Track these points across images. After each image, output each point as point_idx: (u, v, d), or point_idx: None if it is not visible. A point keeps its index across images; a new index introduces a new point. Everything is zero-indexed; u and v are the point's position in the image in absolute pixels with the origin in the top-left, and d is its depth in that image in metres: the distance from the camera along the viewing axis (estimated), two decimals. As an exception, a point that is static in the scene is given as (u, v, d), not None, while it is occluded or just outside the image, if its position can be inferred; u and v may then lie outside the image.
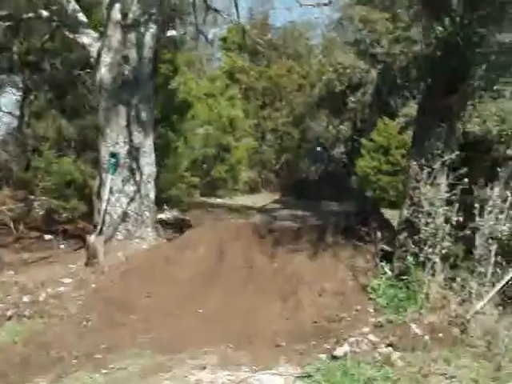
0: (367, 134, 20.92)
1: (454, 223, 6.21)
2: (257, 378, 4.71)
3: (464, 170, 6.38)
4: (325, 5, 11.44)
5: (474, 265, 6.37)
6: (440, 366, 4.85)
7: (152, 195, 8.77)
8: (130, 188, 8.54)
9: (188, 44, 17.34)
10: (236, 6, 12.18)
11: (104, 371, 4.93)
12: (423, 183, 6.38)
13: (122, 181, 8.48)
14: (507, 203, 6.40)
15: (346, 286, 6.68)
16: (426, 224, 6.27)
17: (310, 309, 6.18)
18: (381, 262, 6.80)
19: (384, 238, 7.75)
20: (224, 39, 24.91)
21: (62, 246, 10.24)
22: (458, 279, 6.26)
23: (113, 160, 8.36)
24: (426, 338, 5.43)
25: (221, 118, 20.41)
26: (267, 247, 7.36)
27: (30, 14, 9.19)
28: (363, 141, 20.43)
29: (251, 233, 7.65)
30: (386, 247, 7.62)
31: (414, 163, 6.59)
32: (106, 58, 8.48)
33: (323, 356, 5.12)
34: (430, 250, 6.27)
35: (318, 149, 19.16)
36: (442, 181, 6.51)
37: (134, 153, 8.53)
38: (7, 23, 9.89)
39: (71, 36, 8.82)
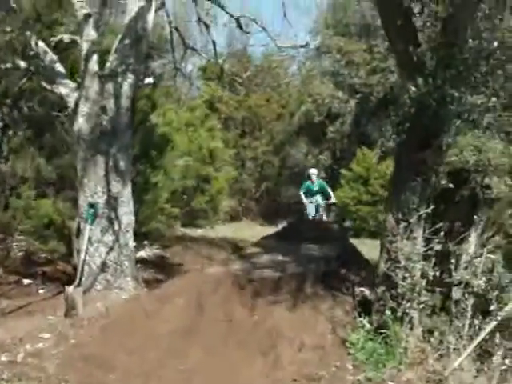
0: (346, 163, 21.11)
1: (431, 278, 6.29)
2: None
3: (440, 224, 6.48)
4: (301, 47, 11.61)
5: (450, 318, 6.45)
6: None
7: (131, 244, 8.77)
8: (109, 238, 8.53)
9: (166, 76, 17.42)
10: (214, 44, 12.29)
11: None
12: (400, 237, 6.45)
13: (101, 231, 8.48)
14: (483, 255, 6.49)
15: (326, 339, 6.68)
16: (404, 279, 6.33)
17: (290, 366, 6.16)
18: (359, 314, 6.83)
19: (363, 284, 7.83)
20: (204, 69, 25.05)
21: (42, 291, 10.19)
22: (436, 333, 6.32)
23: (91, 210, 8.36)
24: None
25: (200, 149, 20.44)
26: (247, 298, 7.34)
27: (8, 65, 9.22)
28: (342, 171, 20.60)
29: (231, 284, 7.64)
30: (365, 291, 7.68)
31: (391, 217, 6.65)
32: (84, 109, 8.52)
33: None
34: (408, 304, 6.32)
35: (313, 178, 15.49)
36: (419, 235, 6.56)
37: (112, 202, 8.54)
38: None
39: (48, 87, 8.86)
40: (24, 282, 10.60)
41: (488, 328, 5.97)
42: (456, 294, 6.61)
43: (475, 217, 7.43)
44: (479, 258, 6.40)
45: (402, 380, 5.82)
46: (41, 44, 8.78)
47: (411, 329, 6.42)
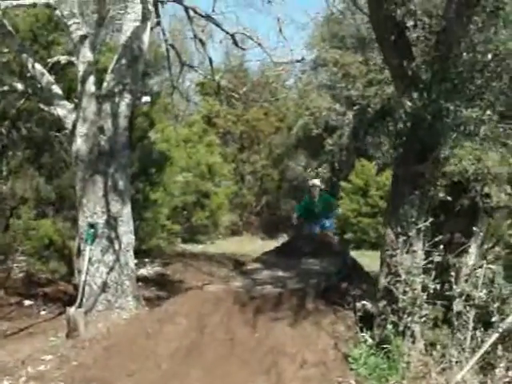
0: (345, 175, 21.15)
1: (431, 291, 6.29)
2: None
3: (440, 236, 6.49)
4: (297, 61, 11.67)
5: (452, 330, 6.44)
6: None
7: (132, 264, 8.76)
8: (110, 258, 8.51)
9: (164, 93, 17.47)
10: (210, 61, 12.33)
11: None
12: (400, 251, 6.45)
13: (101, 251, 8.46)
14: (483, 267, 6.48)
15: (328, 355, 6.66)
16: (404, 293, 6.33)
17: (292, 383, 6.17)
18: (361, 329, 6.82)
19: (364, 297, 7.83)
20: (201, 85, 25.14)
21: (43, 313, 10.21)
22: (438, 347, 6.32)
23: (91, 230, 8.36)
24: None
25: (199, 164, 20.51)
26: (248, 316, 7.33)
27: (5, 87, 9.26)
28: (342, 183, 20.62)
29: (232, 301, 7.62)
30: (367, 305, 7.67)
31: (390, 231, 6.66)
32: (82, 129, 8.53)
33: None
34: (409, 318, 6.32)
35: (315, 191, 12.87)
36: (418, 248, 6.57)
37: (112, 222, 8.53)
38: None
39: (46, 108, 8.89)
40: (25, 303, 10.62)
41: (490, 340, 5.95)
42: (457, 306, 6.58)
43: (475, 228, 7.42)
44: (480, 270, 6.38)
45: (405, 394, 5.81)
46: (38, 66, 8.80)
47: (413, 343, 6.42)
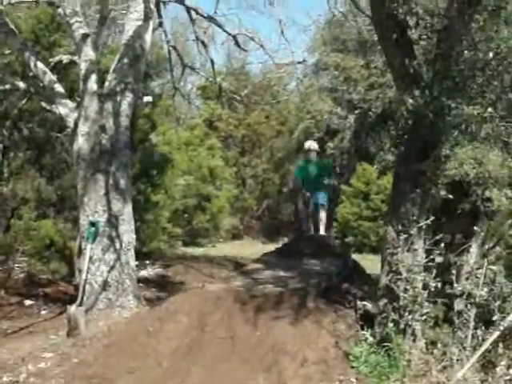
0: (347, 179, 21.15)
1: (432, 289, 6.28)
2: None
3: (441, 235, 6.49)
4: (299, 63, 11.72)
5: (453, 329, 6.43)
6: None
7: (132, 263, 8.76)
8: (110, 256, 8.52)
9: (166, 95, 17.50)
10: (212, 63, 12.37)
11: None
12: (401, 249, 6.45)
13: (102, 249, 8.46)
14: (484, 265, 6.48)
15: (329, 353, 6.64)
16: (405, 290, 6.32)
17: (293, 381, 6.13)
18: (362, 327, 6.81)
19: (365, 298, 7.81)
20: (203, 88, 25.18)
21: (44, 312, 10.20)
22: (439, 345, 6.31)
23: (92, 229, 8.36)
24: (409, 411, 5.44)
25: (201, 167, 20.53)
26: (249, 314, 7.31)
27: (7, 86, 9.28)
28: (343, 187, 20.61)
29: (232, 300, 7.61)
30: (367, 305, 7.66)
31: (391, 229, 6.66)
32: (83, 128, 8.56)
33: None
34: (410, 316, 6.31)
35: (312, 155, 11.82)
36: (420, 246, 6.56)
37: (113, 221, 8.54)
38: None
39: (48, 107, 8.91)
40: (26, 303, 10.62)
41: (491, 338, 5.94)
42: (458, 305, 6.58)
43: (475, 228, 7.41)
44: (481, 270, 6.38)
45: (406, 392, 5.79)
46: (40, 65, 8.84)
47: (414, 341, 6.40)
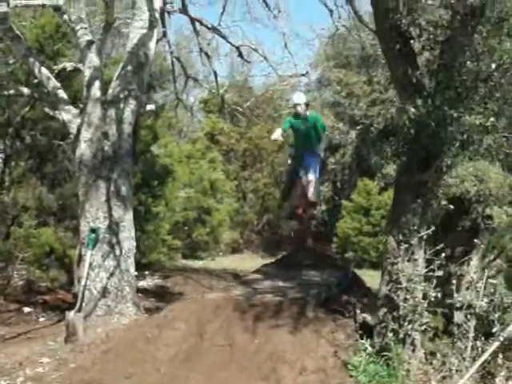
0: (347, 194, 21.16)
1: (432, 299, 6.27)
2: None
3: (441, 245, 6.48)
4: (302, 75, 11.77)
5: (453, 340, 6.41)
6: None
7: (132, 270, 8.75)
8: (110, 263, 8.51)
9: (168, 107, 17.55)
10: (215, 74, 12.43)
11: None
12: (401, 259, 6.44)
13: (102, 256, 8.45)
14: (484, 277, 6.47)
15: (327, 363, 6.62)
16: (405, 300, 6.31)
17: (291, 389, 6.14)
18: (361, 337, 6.78)
19: (364, 310, 7.78)
20: (205, 102, 25.24)
21: (42, 319, 10.19)
22: (438, 355, 6.29)
23: (92, 235, 8.36)
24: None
25: (202, 180, 20.54)
26: (248, 323, 7.30)
27: (11, 91, 9.31)
28: (343, 202, 20.62)
29: (231, 308, 7.59)
30: (367, 317, 7.63)
31: (392, 239, 6.65)
32: (86, 134, 8.58)
33: None
34: (410, 326, 6.29)
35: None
36: (420, 256, 6.56)
37: (113, 227, 8.54)
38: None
39: (51, 113, 8.94)
40: (24, 310, 10.61)
41: (490, 349, 5.92)
42: (458, 317, 6.58)
43: (476, 240, 7.42)
44: (481, 282, 6.37)
45: (405, 402, 5.77)
46: (44, 70, 8.89)
47: (413, 351, 6.38)
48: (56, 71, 9.72)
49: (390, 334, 6.31)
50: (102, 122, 8.64)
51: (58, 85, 8.96)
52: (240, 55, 11.51)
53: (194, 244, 20.57)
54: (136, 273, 9.36)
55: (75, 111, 8.85)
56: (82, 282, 8.29)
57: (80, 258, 9.04)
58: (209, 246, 21.41)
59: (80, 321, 7.93)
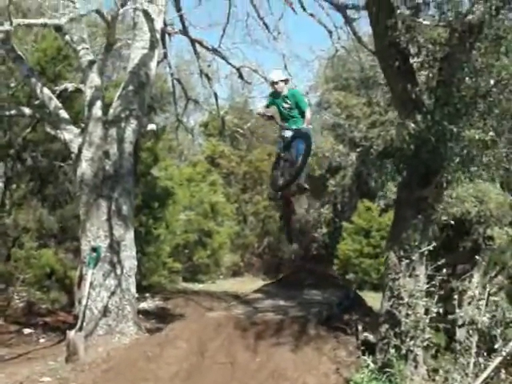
0: (348, 216, 21.12)
1: (434, 314, 6.25)
2: None
3: (442, 260, 6.49)
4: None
5: (455, 356, 6.38)
6: None
7: (133, 289, 8.73)
8: (111, 282, 8.50)
9: (169, 129, 17.60)
10: (215, 96, 12.49)
11: None
12: (402, 275, 6.44)
13: (103, 275, 8.44)
14: (486, 292, 6.46)
15: (329, 380, 6.60)
16: (407, 316, 6.29)
17: (293, 407, 6.11)
18: (363, 353, 6.74)
19: (366, 328, 7.75)
20: (205, 125, 25.31)
21: (42, 340, 10.12)
22: (441, 371, 6.25)
23: (94, 254, 8.35)
24: None
25: (202, 203, 20.51)
26: (249, 341, 7.29)
27: (13, 112, 9.33)
28: (344, 224, 20.57)
29: (233, 327, 7.59)
30: (369, 336, 7.61)
31: (393, 255, 6.66)
32: (87, 154, 8.62)
33: None
34: (412, 342, 6.27)
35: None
36: (421, 272, 6.55)
37: (114, 246, 8.54)
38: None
39: (53, 132, 8.98)
40: (25, 331, 10.54)
41: (493, 364, 5.90)
42: (460, 333, 6.56)
43: (477, 257, 7.42)
44: (482, 298, 6.36)
45: (407, 418, 5.73)
46: (46, 90, 8.95)
47: (416, 367, 6.36)
48: (57, 92, 9.75)
49: (392, 350, 6.29)
50: (103, 141, 8.68)
51: (60, 105, 9.02)
52: (240, 76, 11.59)
53: (194, 267, 20.48)
54: (137, 294, 9.32)
55: (76, 131, 8.89)
56: (83, 301, 8.27)
57: (81, 278, 9.01)
58: (209, 269, 21.31)
59: (81, 340, 7.89)
